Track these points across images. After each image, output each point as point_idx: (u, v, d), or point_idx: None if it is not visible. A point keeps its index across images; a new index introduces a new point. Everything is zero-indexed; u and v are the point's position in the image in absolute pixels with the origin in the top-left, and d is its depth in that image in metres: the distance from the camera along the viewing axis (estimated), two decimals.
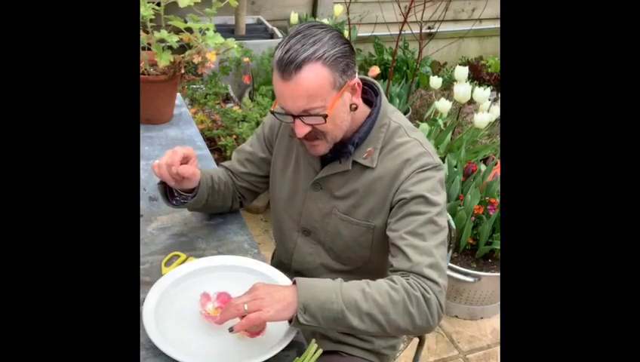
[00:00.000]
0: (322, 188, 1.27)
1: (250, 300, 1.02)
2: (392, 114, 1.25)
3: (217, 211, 1.45)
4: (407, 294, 1.05)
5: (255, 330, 1.11)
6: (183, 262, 1.30)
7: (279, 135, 1.36)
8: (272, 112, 1.23)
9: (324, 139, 1.17)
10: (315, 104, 1.10)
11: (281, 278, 1.24)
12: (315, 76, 1.08)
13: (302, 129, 1.14)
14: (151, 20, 1.67)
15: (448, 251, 1.45)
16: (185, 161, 1.25)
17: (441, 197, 1.18)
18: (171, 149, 1.25)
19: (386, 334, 1.10)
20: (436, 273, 1.10)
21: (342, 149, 1.22)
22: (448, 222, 1.46)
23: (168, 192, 1.33)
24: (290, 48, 1.08)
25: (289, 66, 1.08)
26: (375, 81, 1.27)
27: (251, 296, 1.03)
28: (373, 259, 1.28)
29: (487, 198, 2.25)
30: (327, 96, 1.11)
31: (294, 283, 1.05)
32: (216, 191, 1.36)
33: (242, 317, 1.03)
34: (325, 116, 1.11)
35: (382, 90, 1.25)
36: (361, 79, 1.27)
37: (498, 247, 2.23)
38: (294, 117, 1.13)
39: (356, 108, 1.18)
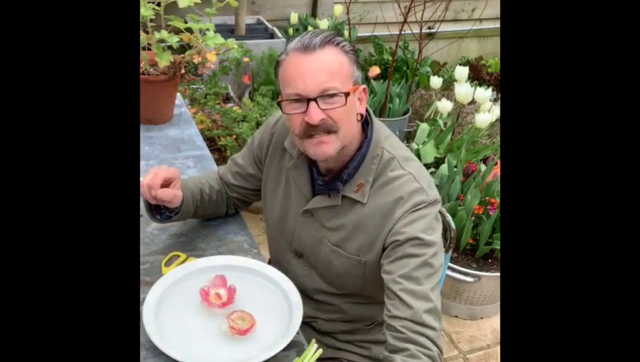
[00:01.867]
0: (313, 216, 1.23)
1: None
2: (386, 142, 1.18)
3: (212, 216, 1.45)
4: None
5: (244, 328, 1.11)
6: (183, 262, 1.30)
7: (269, 153, 1.31)
8: (279, 103, 1.13)
9: (336, 135, 1.10)
10: (335, 83, 1.07)
11: (281, 278, 1.25)
12: (336, 56, 1.09)
13: (317, 113, 1.07)
14: (151, 20, 1.67)
15: (448, 251, 1.45)
16: (167, 183, 1.24)
17: (436, 236, 1.13)
18: (155, 169, 1.23)
19: None
20: (433, 317, 1.06)
21: (330, 185, 1.17)
22: (448, 222, 1.46)
23: (153, 207, 1.32)
24: (311, 34, 1.09)
25: (313, 41, 1.07)
26: (368, 108, 1.20)
27: None
28: (366, 287, 1.24)
29: (487, 198, 2.25)
30: (346, 81, 1.09)
31: None
32: (207, 201, 1.36)
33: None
34: (347, 95, 1.08)
35: (374, 119, 1.20)
36: None
37: (498, 247, 2.23)
38: (309, 101, 1.07)
39: (362, 119, 1.15)
